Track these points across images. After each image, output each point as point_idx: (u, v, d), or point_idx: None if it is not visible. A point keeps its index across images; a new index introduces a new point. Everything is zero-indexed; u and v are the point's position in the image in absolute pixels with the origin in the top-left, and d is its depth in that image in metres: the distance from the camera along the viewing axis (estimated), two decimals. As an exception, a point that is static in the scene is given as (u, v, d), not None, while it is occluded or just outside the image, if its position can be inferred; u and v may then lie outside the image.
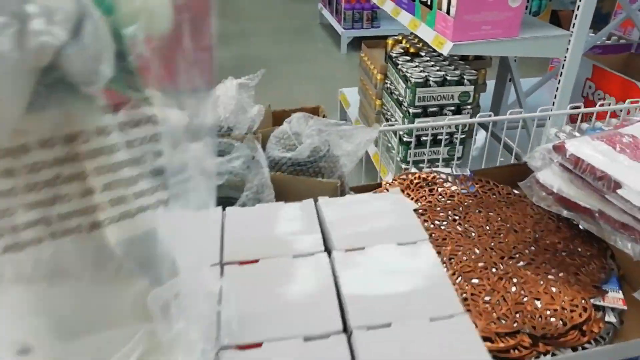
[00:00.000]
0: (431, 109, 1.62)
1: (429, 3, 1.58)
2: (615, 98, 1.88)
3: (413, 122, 1.61)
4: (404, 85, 1.61)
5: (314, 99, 2.88)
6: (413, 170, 0.87)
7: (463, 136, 1.68)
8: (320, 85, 3.07)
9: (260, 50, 3.76)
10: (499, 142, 1.41)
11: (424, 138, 1.67)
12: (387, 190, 0.84)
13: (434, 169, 0.88)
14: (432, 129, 1.65)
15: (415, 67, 1.65)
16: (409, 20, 1.74)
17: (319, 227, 0.64)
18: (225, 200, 0.76)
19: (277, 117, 1.04)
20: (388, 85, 1.80)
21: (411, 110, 1.61)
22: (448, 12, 1.44)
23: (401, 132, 1.69)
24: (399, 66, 1.67)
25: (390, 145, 1.81)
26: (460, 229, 0.77)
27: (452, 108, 1.62)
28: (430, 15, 1.59)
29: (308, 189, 0.72)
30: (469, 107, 1.63)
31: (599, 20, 2.19)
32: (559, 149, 0.74)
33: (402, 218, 0.65)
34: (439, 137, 1.67)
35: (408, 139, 1.66)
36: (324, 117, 0.92)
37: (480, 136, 2.13)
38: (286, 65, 3.42)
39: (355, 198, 0.71)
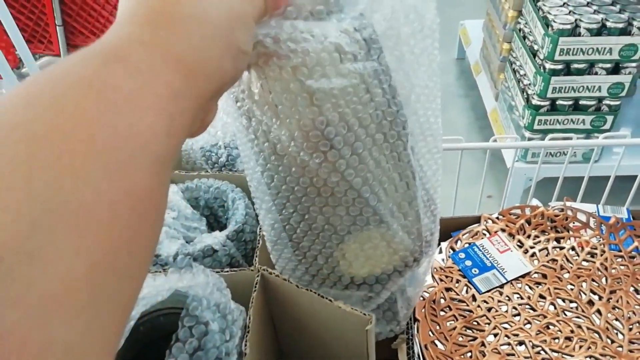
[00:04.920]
0: (577, 66, 1.22)
1: None
2: None
3: (549, 81, 1.23)
4: (543, 31, 1.21)
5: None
6: (534, 202, 0.57)
7: (617, 102, 1.26)
8: (440, 10, 2.61)
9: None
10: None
11: (562, 102, 1.28)
12: (487, 231, 0.56)
13: (567, 203, 0.57)
14: (574, 90, 1.25)
15: (563, 5, 1.23)
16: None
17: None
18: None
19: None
20: (521, 26, 1.39)
21: (548, 66, 1.22)
22: None
23: (530, 92, 1.31)
24: (540, 2, 1.26)
25: (513, 104, 1.44)
26: (598, 322, 0.48)
27: (608, 66, 1.20)
28: None
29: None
30: (633, 64, 1.19)
31: None
32: None
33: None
34: (582, 101, 1.27)
35: (539, 102, 1.28)
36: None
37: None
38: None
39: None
